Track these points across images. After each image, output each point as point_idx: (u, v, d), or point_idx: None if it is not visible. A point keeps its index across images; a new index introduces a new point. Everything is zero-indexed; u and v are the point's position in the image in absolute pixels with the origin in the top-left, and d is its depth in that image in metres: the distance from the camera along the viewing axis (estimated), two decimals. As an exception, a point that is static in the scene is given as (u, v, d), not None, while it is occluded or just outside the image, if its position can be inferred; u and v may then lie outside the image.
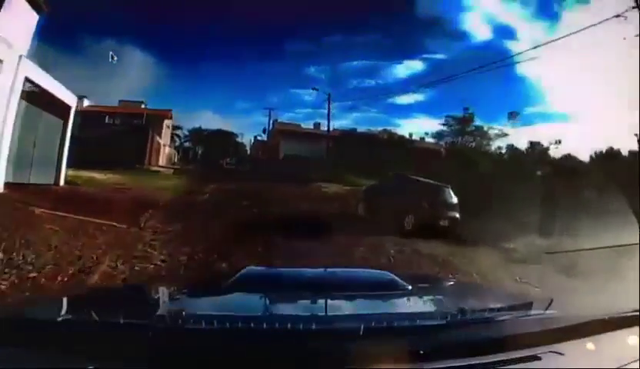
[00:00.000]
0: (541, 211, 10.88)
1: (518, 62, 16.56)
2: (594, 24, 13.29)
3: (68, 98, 12.76)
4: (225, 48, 21.20)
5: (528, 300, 1.63)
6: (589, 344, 1.44)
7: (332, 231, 9.20)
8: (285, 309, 1.85)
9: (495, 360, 1.31)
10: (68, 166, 13.68)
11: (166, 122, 23.16)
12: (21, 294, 4.53)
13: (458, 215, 11.64)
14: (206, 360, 1.24)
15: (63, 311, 1.67)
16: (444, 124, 20.26)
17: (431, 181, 13.18)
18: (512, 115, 18.12)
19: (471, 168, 17.09)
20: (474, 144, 19.08)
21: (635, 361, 1.34)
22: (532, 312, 1.55)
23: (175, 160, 24.75)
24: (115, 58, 18.69)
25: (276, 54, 20.94)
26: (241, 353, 1.26)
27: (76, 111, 14.51)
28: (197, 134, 26.08)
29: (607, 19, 12.43)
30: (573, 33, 14.63)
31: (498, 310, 1.60)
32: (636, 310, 1.56)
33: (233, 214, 10.71)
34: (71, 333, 1.32)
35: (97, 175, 14.65)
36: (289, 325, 1.37)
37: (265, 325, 1.39)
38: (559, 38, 15.23)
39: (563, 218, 10.12)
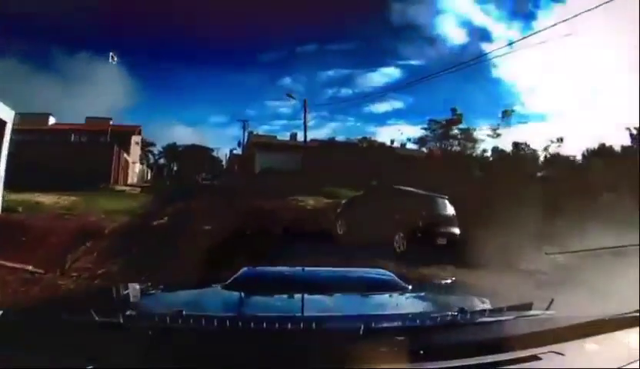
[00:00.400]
0: (553, 219, 8.78)
1: (497, 61, 14.99)
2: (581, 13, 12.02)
3: (4, 112, 10.42)
4: (197, 61, 19.02)
5: (528, 301, 1.57)
6: (589, 344, 1.39)
7: (308, 256, 7.08)
8: (285, 309, 1.81)
9: (496, 360, 1.26)
10: (16, 189, 12.15)
11: (134, 138, 21.51)
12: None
13: (457, 231, 9.50)
14: (206, 359, 1.20)
15: (63, 312, 1.54)
16: (426, 129, 18.09)
17: (424, 192, 11.01)
18: (506, 113, 15.97)
19: (467, 175, 15.03)
20: (464, 147, 17.08)
21: (635, 361, 1.28)
22: (532, 312, 1.52)
23: (148, 177, 23.06)
24: (115, 59, 17.15)
25: (250, 66, 19.98)
26: (241, 352, 1.22)
27: (45, 130, 12.22)
28: (171, 150, 23.96)
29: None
30: (555, 24, 13.58)
31: (499, 310, 1.56)
32: (636, 311, 1.49)
33: (190, 243, 8.49)
34: (71, 333, 1.28)
35: (47, 199, 12.56)
36: (289, 325, 1.34)
37: (264, 325, 1.32)
38: (542, 30, 14.36)
39: (579, 226, 8.08)
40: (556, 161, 16.23)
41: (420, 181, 12.32)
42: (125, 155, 19.76)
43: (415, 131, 19.53)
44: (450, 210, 10.33)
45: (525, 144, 17.00)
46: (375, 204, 10.98)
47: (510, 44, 15.76)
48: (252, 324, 1.35)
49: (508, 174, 14.46)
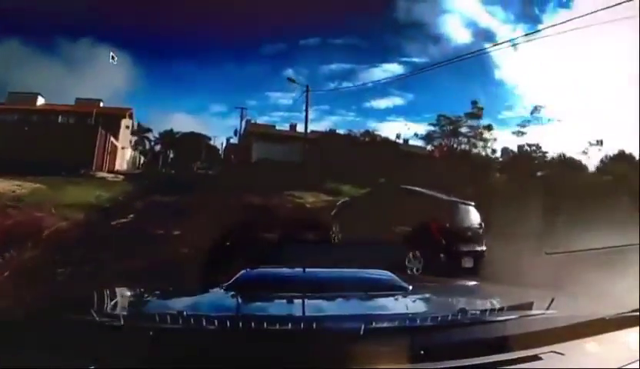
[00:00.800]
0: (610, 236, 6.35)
1: (519, 50, 13.85)
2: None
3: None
4: (200, 49, 17.14)
5: (528, 300, 1.58)
6: (590, 344, 1.41)
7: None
8: (285, 309, 1.80)
9: (496, 360, 1.27)
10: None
11: (124, 122, 19.77)
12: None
13: (484, 249, 7.04)
14: (206, 359, 1.21)
15: (63, 312, 1.58)
16: (435, 124, 15.97)
17: (444, 196, 8.29)
18: (536, 110, 13.39)
19: (491, 178, 12.49)
20: (483, 146, 14.63)
21: (635, 361, 1.30)
22: (533, 312, 1.51)
23: (140, 164, 21.44)
24: (116, 59, 15.66)
25: (251, 56, 18.01)
26: (242, 353, 1.23)
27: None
28: (168, 136, 21.80)
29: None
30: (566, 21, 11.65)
31: (499, 310, 1.59)
32: (636, 310, 1.50)
33: (153, 252, 6.29)
34: (71, 333, 1.29)
35: (3, 186, 10.36)
36: (289, 325, 1.37)
37: (265, 325, 1.33)
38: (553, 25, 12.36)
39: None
40: (599, 166, 13.52)
41: (434, 182, 9.88)
42: (113, 139, 18.24)
43: (424, 127, 17.27)
44: (477, 221, 7.89)
45: (559, 146, 14.18)
46: (382, 209, 8.42)
47: (511, 41, 13.87)
48: (253, 325, 1.34)
49: (543, 179, 11.97)
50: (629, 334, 1.42)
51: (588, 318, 1.44)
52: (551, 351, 1.29)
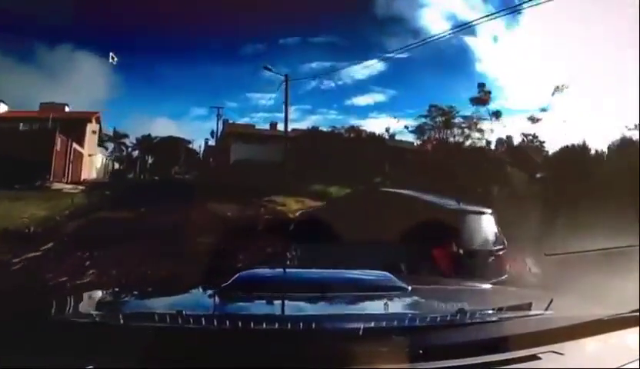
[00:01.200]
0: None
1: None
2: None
3: None
4: (177, 51, 16.79)
5: (527, 301, 1.60)
6: (589, 344, 1.41)
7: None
8: (285, 310, 1.79)
9: (495, 360, 1.28)
10: None
11: (90, 127, 18.28)
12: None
13: (506, 277, 4.87)
14: (206, 359, 1.21)
15: (63, 311, 1.60)
16: (426, 116, 15.19)
17: (450, 203, 5.61)
18: (558, 89, 11.48)
19: (506, 177, 10.48)
20: (494, 137, 12.68)
21: (635, 361, 1.29)
22: (532, 312, 1.51)
23: (110, 171, 20.25)
24: (115, 59, 14.97)
25: (231, 57, 17.04)
26: (241, 353, 1.23)
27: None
28: (143, 141, 20.42)
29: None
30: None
31: (498, 310, 1.55)
32: (636, 311, 1.49)
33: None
34: (70, 333, 1.28)
35: None
36: (289, 325, 1.38)
37: (264, 325, 1.33)
38: None
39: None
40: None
41: (431, 182, 7.93)
42: (77, 146, 17.00)
43: (415, 120, 15.68)
44: (498, 237, 5.46)
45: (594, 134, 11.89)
46: (356, 226, 5.56)
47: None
48: (251, 326, 1.33)
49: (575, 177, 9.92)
50: (629, 334, 1.42)
51: (588, 318, 1.43)
52: (551, 351, 1.30)
